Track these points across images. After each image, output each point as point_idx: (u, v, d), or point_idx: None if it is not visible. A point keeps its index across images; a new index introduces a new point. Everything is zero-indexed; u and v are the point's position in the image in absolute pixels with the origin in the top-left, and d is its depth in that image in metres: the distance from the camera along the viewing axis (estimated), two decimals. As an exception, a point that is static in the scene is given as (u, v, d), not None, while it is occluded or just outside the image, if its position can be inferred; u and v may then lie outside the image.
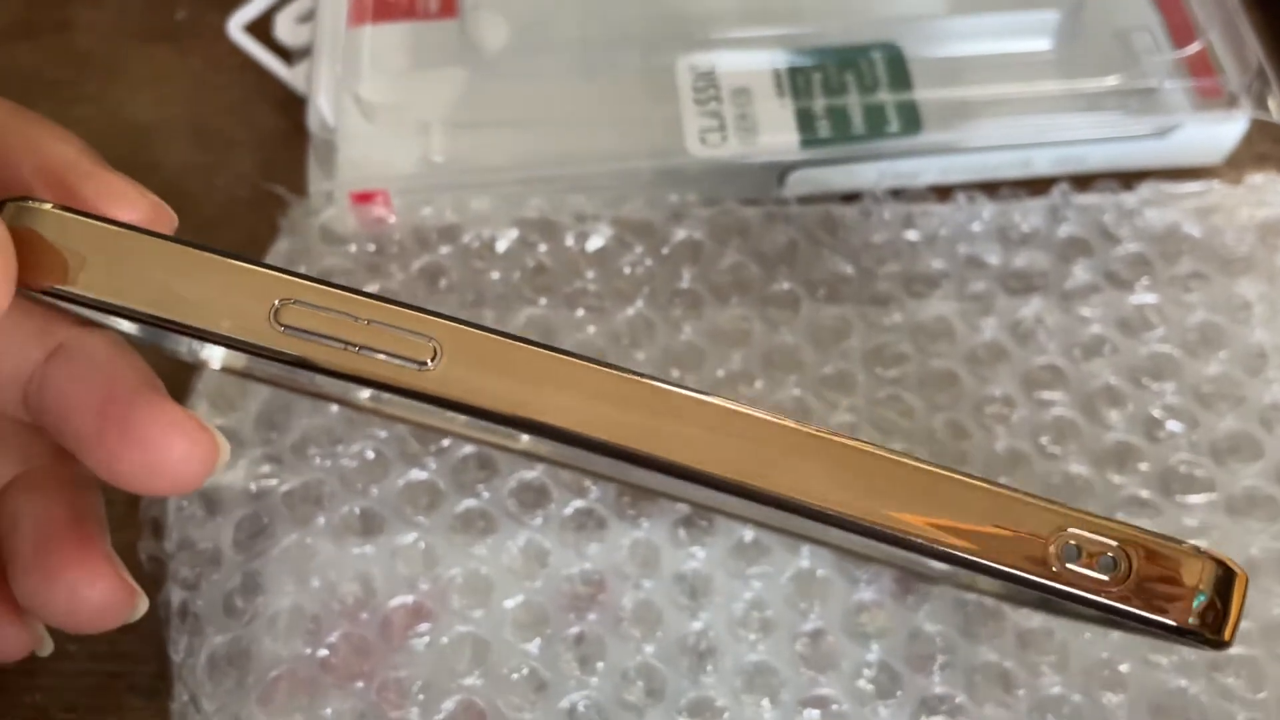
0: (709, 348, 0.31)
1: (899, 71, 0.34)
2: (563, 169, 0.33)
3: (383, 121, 0.33)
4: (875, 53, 0.34)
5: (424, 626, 0.28)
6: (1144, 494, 0.29)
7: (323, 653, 0.27)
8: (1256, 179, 0.33)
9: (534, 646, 0.27)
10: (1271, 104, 0.33)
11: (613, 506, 0.29)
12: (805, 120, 0.33)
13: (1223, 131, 0.34)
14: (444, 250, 0.32)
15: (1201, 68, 0.34)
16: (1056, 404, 0.31)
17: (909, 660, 0.27)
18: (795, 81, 0.34)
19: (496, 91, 0.34)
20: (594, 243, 0.33)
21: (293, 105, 0.35)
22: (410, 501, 0.29)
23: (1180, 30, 0.34)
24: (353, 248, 0.32)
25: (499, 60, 0.34)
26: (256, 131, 0.36)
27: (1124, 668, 0.27)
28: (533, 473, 0.29)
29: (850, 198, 0.33)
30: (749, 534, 0.28)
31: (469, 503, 0.29)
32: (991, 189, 0.34)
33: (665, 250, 0.33)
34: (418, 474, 0.29)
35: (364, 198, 0.32)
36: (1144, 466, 0.29)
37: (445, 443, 0.30)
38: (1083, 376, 0.31)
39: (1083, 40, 0.35)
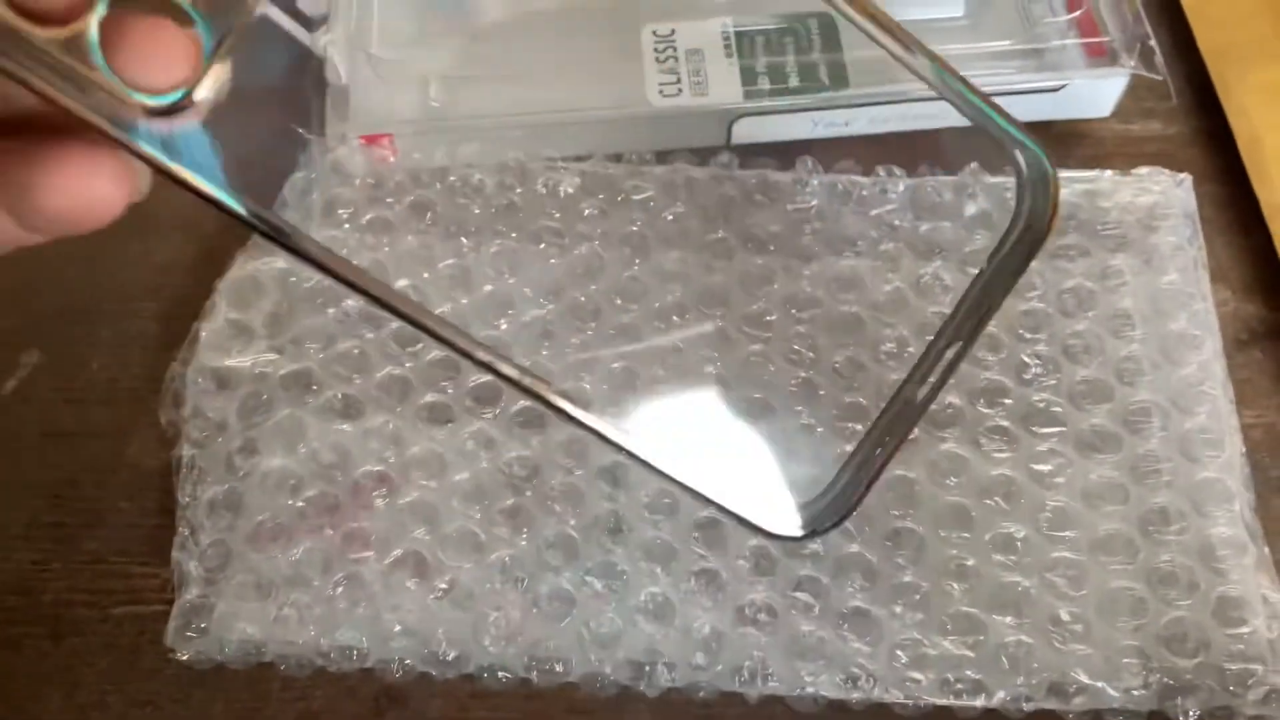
0: (652, 284, 0.37)
1: (831, 36, 0.40)
2: (542, 116, 0.39)
3: (389, 76, 0.39)
4: (811, 20, 0.40)
5: (385, 490, 0.33)
6: (1006, 424, 0.34)
7: (300, 504, 0.33)
8: (1142, 170, 0.38)
9: (475, 513, 0.33)
10: (1153, 59, 0.38)
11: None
12: (748, 76, 0.39)
13: (1107, 86, 0.39)
14: (435, 188, 0.38)
15: (1089, 28, 0.39)
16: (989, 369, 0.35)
17: (786, 550, 0.32)
18: (741, 44, 0.40)
19: (488, 52, 0.40)
20: (561, 189, 0.38)
21: (313, 65, 0.40)
22: (386, 391, 0.35)
23: (1075, -4, 0.40)
24: (356, 181, 0.38)
25: (492, 25, 0.40)
26: (283, 85, 0.42)
27: (970, 562, 0.32)
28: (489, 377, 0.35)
29: (786, 161, 0.39)
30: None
31: (433, 396, 0.35)
32: (911, 166, 0.39)
33: (620, 199, 0.38)
34: (394, 369, 0.35)
35: (372, 139, 0.38)
36: (1008, 402, 0.34)
37: (419, 345, 0.35)
38: (970, 327, 0.36)
39: (990, 7, 0.41)
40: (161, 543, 0.33)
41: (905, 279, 0.37)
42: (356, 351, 0.35)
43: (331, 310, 0.36)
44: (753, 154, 0.39)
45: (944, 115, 0.39)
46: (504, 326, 0.36)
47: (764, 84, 0.39)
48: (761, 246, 0.37)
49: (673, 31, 0.40)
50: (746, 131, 0.40)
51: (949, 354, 0.24)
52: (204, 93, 0.17)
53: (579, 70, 0.40)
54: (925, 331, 0.36)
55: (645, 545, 0.32)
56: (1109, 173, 0.38)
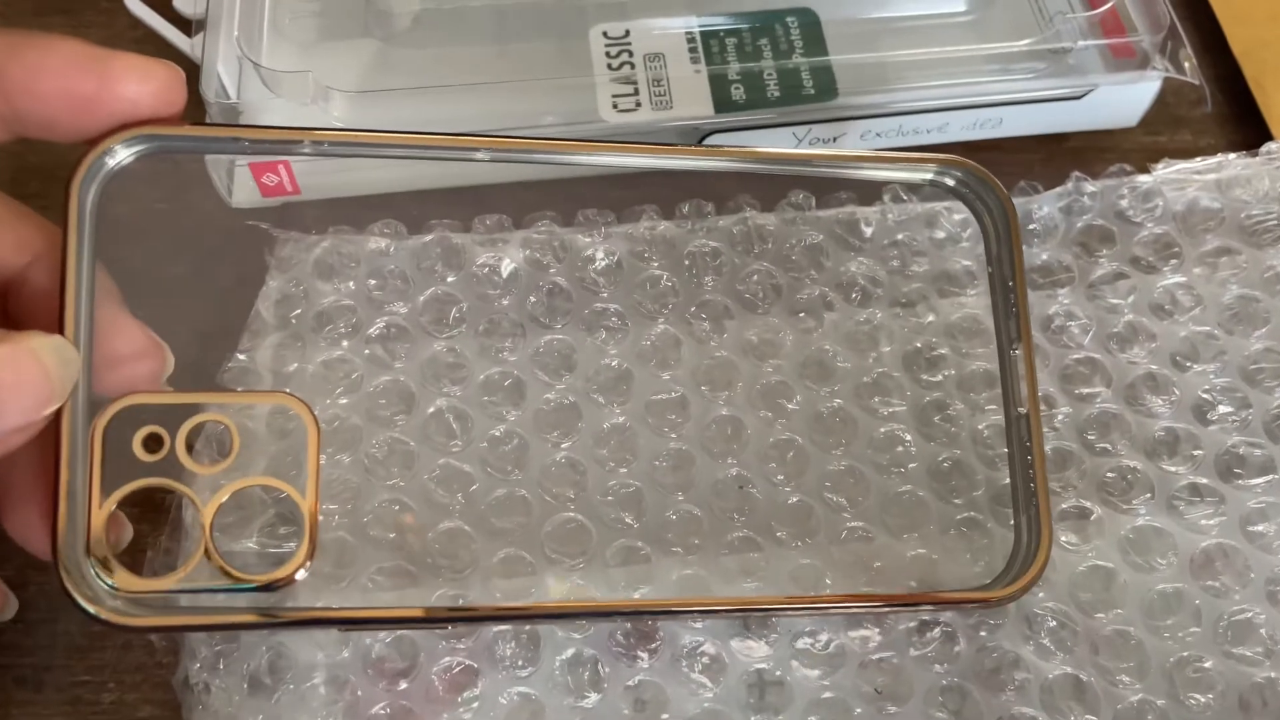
0: (743, 363, 0.30)
1: (814, 36, 0.33)
2: (466, 137, 0.31)
3: (284, 89, 0.31)
4: (790, 17, 0.34)
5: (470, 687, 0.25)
6: (1202, 480, 0.28)
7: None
8: (1273, 146, 0.33)
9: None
10: (1185, 63, 0.33)
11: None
12: (719, 86, 0.32)
13: (1137, 92, 0.34)
14: (449, 279, 0.30)
15: (1114, 28, 0.34)
16: (1099, 398, 0.30)
17: (978, 678, 0.26)
18: (709, 47, 0.33)
19: (405, 60, 0.33)
20: (602, 256, 0.31)
21: (194, 77, 0.32)
22: (443, 551, 0.27)
23: (1093, -10, 0.35)
24: (351, 283, 0.30)
25: (408, 29, 0.33)
26: None
27: (1207, 663, 0.26)
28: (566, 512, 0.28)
29: (864, 194, 0.32)
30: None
31: (504, 551, 0.27)
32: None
33: (686, 262, 0.31)
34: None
35: (265, 168, 0.31)
36: (1197, 453, 0.29)
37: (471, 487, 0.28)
38: (1121, 366, 0.30)
39: (997, 2, 0.35)
40: (2, 685, 0.26)
41: (1033, 320, 0.31)
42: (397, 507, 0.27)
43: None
44: (725, 176, 0.32)
45: (949, 128, 0.33)
46: (565, 445, 0.28)
47: (738, 95, 0.32)
48: (865, 297, 0.31)
49: (627, 33, 0.33)
50: None
51: (1017, 358, 0.26)
52: (302, 574, 0.22)
53: (516, 81, 0.32)
54: (1070, 383, 0.30)
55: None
56: (1232, 156, 0.33)
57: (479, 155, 0.24)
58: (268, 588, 0.22)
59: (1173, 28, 0.33)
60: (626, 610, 0.25)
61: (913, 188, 0.32)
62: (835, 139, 0.33)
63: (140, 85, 0.20)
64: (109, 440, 0.21)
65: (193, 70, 0.31)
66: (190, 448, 0.21)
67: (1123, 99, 0.34)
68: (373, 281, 0.30)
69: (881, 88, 0.32)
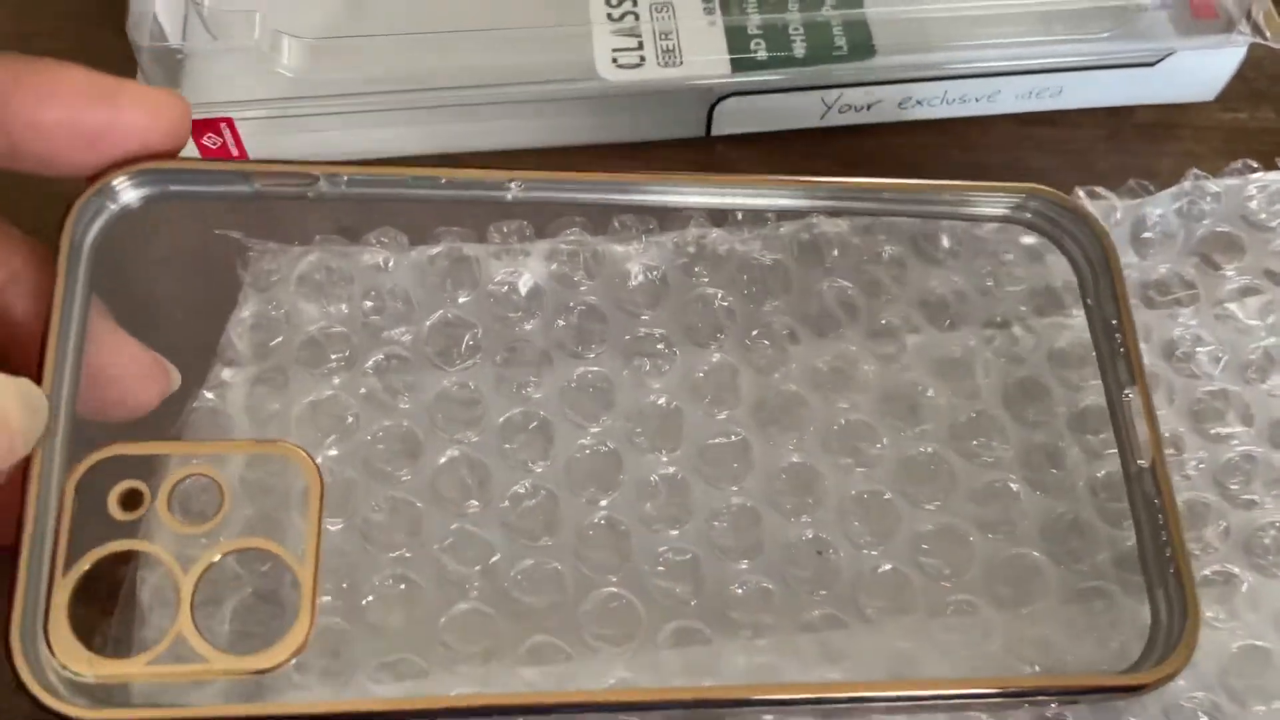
0: (813, 398, 0.25)
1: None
2: (446, 94, 0.27)
3: (229, 33, 0.27)
4: None
5: None
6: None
7: None
8: None
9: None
10: (1268, 29, 0.29)
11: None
12: (737, 40, 0.28)
13: (1217, 60, 0.30)
14: (458, 301, 0.25)
15: None
16: (1237, 439, 0.25)
17: None
18: None
19: (376, 3, 0.28)
20: (638, 270, 0.26)
21: (121, 13, 0.27)
22: (459, 638, 0.22)
23: (1170, -59, 0.31)
24: (343, 306, 0.25)
25: None
26: (88, 49, 0.28)
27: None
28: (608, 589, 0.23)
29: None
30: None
31: (535, 639, 0.22)
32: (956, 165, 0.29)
33: (744, 276, 0.26)
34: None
35: (206, 127, 0.27)
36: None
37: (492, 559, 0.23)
38: (1263, 400, 0.25)
39: None
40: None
41: (1151, 346, 0.26)
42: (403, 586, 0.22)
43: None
44: (739, 148, 0.29)
45: (1000, 96, 0.30)
46: (604, 502, 0.23)
47: (759, 52, 0.28)
48: (955, 317, 0.26)
49: None
50: (734, 116, 0.29)
51: (1129, 400, 0.22)
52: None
53: (499, 30, 0.28)
54: (1202, 420, 0.25)
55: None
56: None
57: (511, 190, 0.22)
58: (258, 673, 0.18)
59: None
60: (683, 701, 0.20)
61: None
62: (869, 106, 0.29)
63: (151, 119, 0.19)
64: (82, 497, 0.18)
65: (119, 7, 0.27)
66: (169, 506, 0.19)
67: (1200, 67, 0.30)
68: (369, 303, 0.25)
69: (924, 47, 0.28)
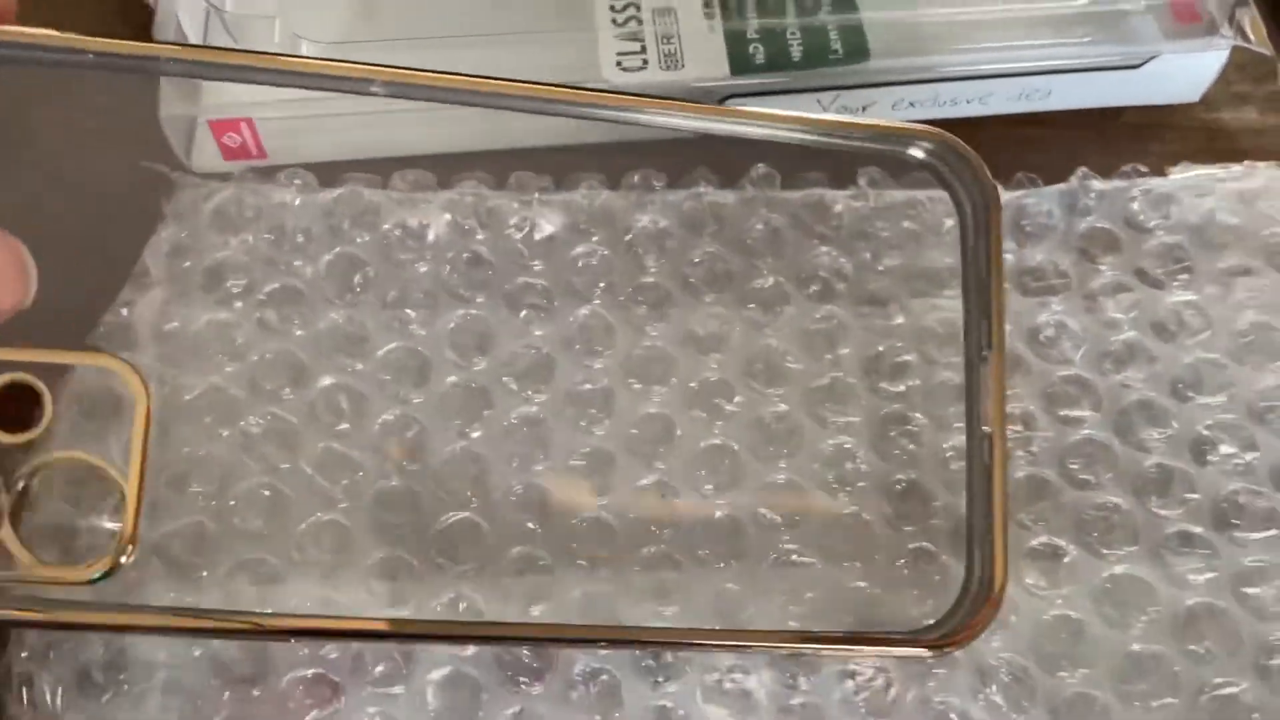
0: (680, 355, 0.26)
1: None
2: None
3: (249, 37, 0.28)
4: None
5: (328, 703, 0.22)
6: (1195, 529, 0.24)
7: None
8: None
9: None
10: (1250, 32, 0.29)
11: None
12: (737, 45, 0.29)
13: (1200, 62, 0.31)
14: (362, 240, 0.27)
15: None
16: (1085, 423, 0.26)
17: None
18: (727, 1, 0.30)
19: (382, 8, 0.29)
20: (539, 229, 0.27)
21: (149, 20, 0.29)
22: (315, 546, 0.24)
23: (1155, -52, 0.32)
24: (249, 237, 0.27)
25: None
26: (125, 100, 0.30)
27: None
28: (461, 514, 0.24)
29: (836, 173, 0.29)
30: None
31: (383, 552, 0.24)
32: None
33: (626, 239, 0.27)
34: (321, 515, 0.24)
35: (226, 126, 0.28)
36: (1193, 496, 0.25)
37: (356, 475, 0.24)
38: (1115, 390, 0.26)
39: None
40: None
41: (1018, 329, 0.27)
42: (267, 493, 0.24)
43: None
44: (740, 144, 0.29)
45: (992, 98, 0.30)
46: (477, 434, 0.25)
47: (757, 55, 0.29)
48: (825, 292, 0.27)
49: None
50: None
51: (985, 369, 0.22)
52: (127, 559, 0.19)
53: (507, 35, 0.29)
54: (1054, 403, 0.26)
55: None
56: (1261, 165, 0.29)
57: (374, 89, 0.20)
58: (74, 584, 0.19)
59: None
60: (517, 636, 0.22)
61: (891, 169, 0.28)
62: (864, 108, 0.30)
63: None
64: None
65: (147, 14, 0.28)
66: None
67: (1184, 70, 0.31)
68: (269, 236, 0.27)
69: (917, 51, 0.30)
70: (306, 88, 0.21)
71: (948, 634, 0.21)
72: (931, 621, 0.22)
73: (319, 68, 0.20)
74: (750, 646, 0.22)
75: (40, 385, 0.19)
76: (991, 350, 0.22)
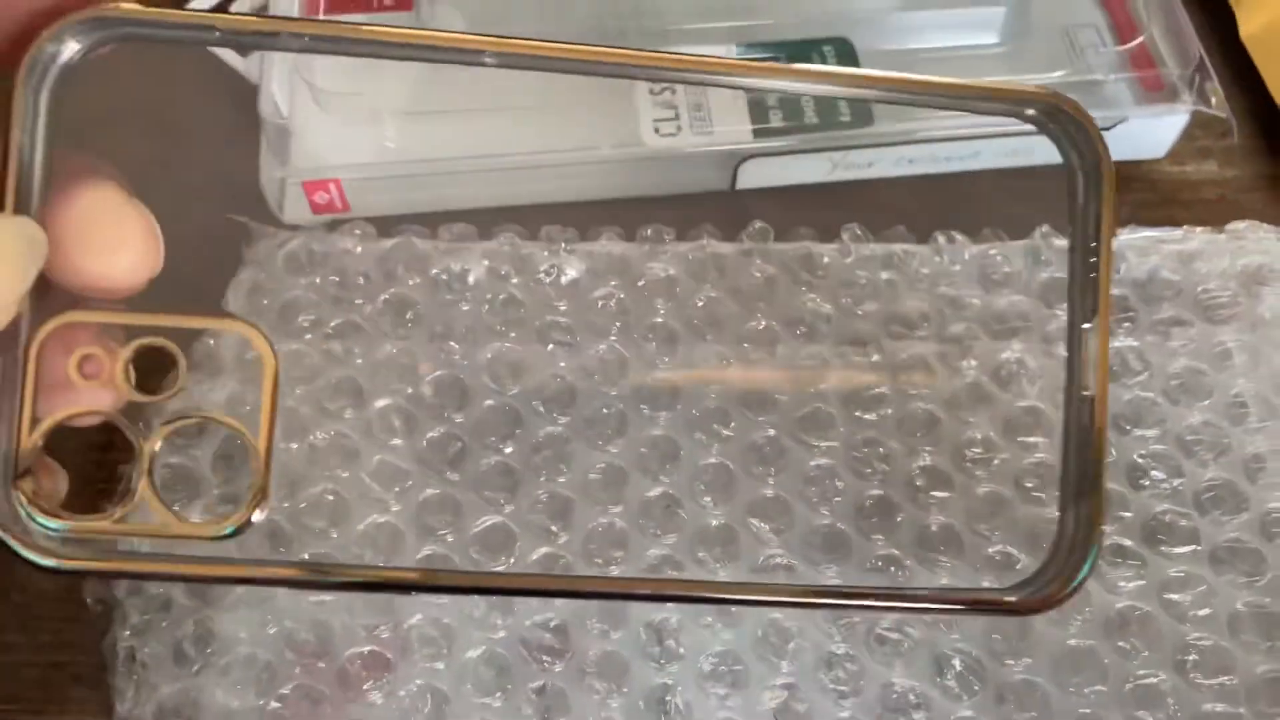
0: (685, 386, 0.30)
1: (850, 64, 0.34)
2: (516, 159, 0.33)
3: (337, 110, 0.32)
4: (827, 46, 0.35)
5: (382, 676, 0.26)
6: (1127, 543, 0.28)
7: (274, 706, 0.26)
8: (1238, 225, 0.33)
9: (496, 700, 0.26)
10: (1211, 97, 0.34)
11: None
12: (758, 112, 0.33)
13: (1165, 124, 0.35)
14: (413, 281, 0.31)
15: (1143, 62, 0.35)
16: (1039, 448, 0.30)
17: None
18: None
19: (450, 82, 0.33)
20: (565, 275, 0.32)
21: (248, 96, 0.33)
22: (371, 545, 0.28)
23: (1124, 26, 0.36)
24: (317, 279, 0.31)
25: None
26: (210, 122, 0.35)
27: (1106, 725, 0.26)
28: (494, 519, 0.28)
29: (822, 226, 0.33)
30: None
31: (431, 548, 0.28)
32: (943, 215, 0.33)
33: (640, 284, 0.32)
34: (377, 518, 0.28)
35: (316, 186, 0.32)
36: (1126, 514, 0.29)
37: (409, 484, 0.29)
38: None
39: (1029, 36, 0.35)
40: (58, 685, 0.27)
41: (983, 366, 0.31)
42: (331, 498, 0.28)
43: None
44: (760, 200, 0.34)
45: (981, 156, 0.34)
46: (509, 450, 0.29)
47: (776, 120, 0.33)
48: (811, 333, 0.31)
49: None
50: (755, 175, 0.34)
51: (1090, 341, 0.22)
52: (259, 516, 0.19)
53: (559, 105, 0.34)
54: (1013, 430, 0.30)
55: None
56: (1199, 230, 0.33)
57: (486, 59, 0.21)
58: (212, 539, 0.19)
59: (1201, 62, 0.34)
60: (600, 592, 0.24)
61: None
62: (870, 164, 0.34)
63: None
64: (46, 361, 0.18)
65: (246, 91, 0.33)
66: (133, 374, 0.19)
67: (1151, 130, 0.35)
68: (334, 278, 0.31)
69: (915, 116, 0.34)
70: (423, 60, 0.21)
71: (1038, 593, 0.21)
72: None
73: (433, 39, 0.20)
74: (842, 605, 0.24)
75: (175, 348, 0.19)
76: (1096, 315, 0.22)
